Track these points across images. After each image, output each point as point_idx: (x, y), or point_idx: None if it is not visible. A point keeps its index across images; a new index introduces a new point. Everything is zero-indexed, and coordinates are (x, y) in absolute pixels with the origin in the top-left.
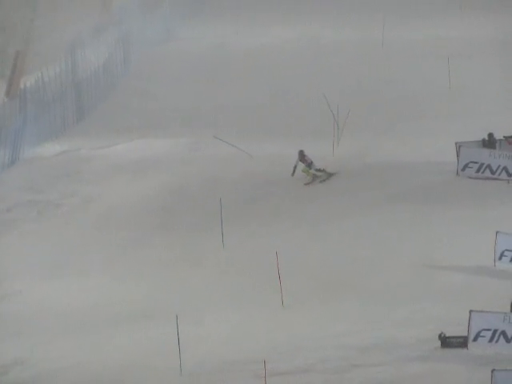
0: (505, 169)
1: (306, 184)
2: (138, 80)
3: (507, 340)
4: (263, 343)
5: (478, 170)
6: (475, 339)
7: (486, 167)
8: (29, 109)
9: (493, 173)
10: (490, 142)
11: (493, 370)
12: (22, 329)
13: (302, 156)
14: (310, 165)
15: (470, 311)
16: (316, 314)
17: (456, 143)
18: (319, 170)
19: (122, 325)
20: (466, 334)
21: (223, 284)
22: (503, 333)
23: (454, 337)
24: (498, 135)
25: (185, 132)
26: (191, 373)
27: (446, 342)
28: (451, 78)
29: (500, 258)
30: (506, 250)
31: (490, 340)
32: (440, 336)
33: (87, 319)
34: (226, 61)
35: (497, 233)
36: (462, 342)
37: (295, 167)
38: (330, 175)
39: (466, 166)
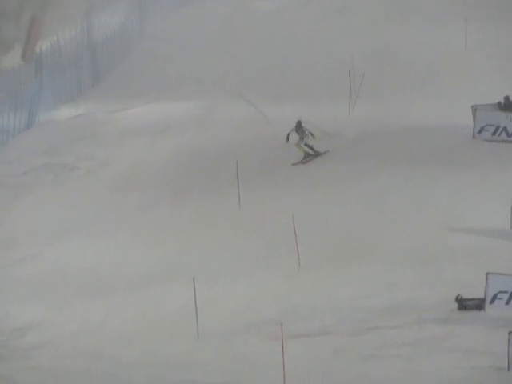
0: None
1: (293, 164)
2: (153, 43)
3: None
4: (280, 305)
5: (494, 133)
6: (492, 301)
7: (502, 130)
8: (44, 72)
9: (509, 136)
10: (506, 105)
11: (510, 332)
12: (38, 292)
13: (298, 127)
14: (303, 138)
15: (487, 273)
16: (332, 277)
17: (472, 106)
18: (308, 146)
19: (138, 287)
20: (482, 296)
21: (240, 246)
22: None
23: (470, 299)
24: None
25: (200, 95)
26: (208, 335)
27: (462, 304)
28: (467, 41)
29: None
30: None
31: (507, 302)
32: (457, 298)
33: (103, 282)
34: (240, 25)
35: None
36: (478, 305)
37: (289, 134)
38: (316, 155)
39: (482, 128)
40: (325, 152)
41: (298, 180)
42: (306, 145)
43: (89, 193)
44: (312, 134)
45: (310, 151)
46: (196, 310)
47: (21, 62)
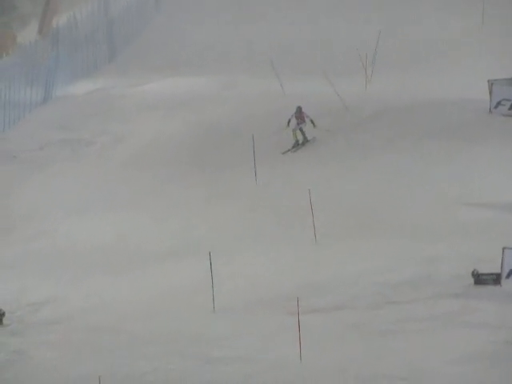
0: None
1: (283, 153)
2: (170, 19)
3: None
4: (296, 280)
5: (510, 108)
6: (508, 276)
7: None
8: (61, 47)
9: None
10: None
11: None
12: (53, 266)
13: (298, 112)
14: (301, 123)
15: (503, 248)
16: (349, 251)
17: (488, 81)
18: (302, 132)
19: (155, 262)
20: (499, 271)
21: (256, 220)
22: None
23: (487, 274)
24: None
25: (216, 70)
26: (224, 310)
27: (479, 279)
28: (484, 16)
29: None
30: None
31: None
32: (473, 273)
33: (119, 257)
34: (257, 1)
35: None
36: (495, 279)
37: (289, 120)
38: (304, 143)
39: (498, 103)
40: (313, 138)
41: (314, 154)
42: (300, 130)
43: (105, 168)
44: (313, 122)
45: (301, 139)
46: (212, 284)
47: (37, 37)
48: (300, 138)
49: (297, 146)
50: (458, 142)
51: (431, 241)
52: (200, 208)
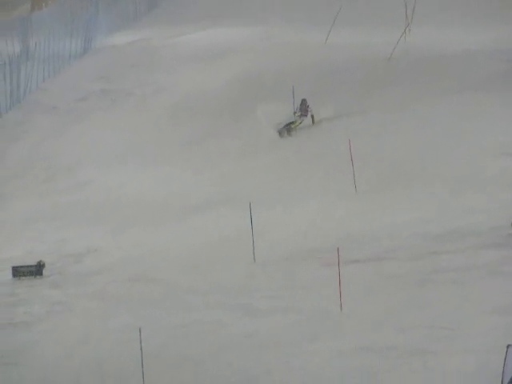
0: None
1: (281, 136)
2: None
3: None
4: (336, 231)
5: None
6: None
7: None
8: None
9: None
10: None
11: None
12: (93, 218)
13: (303, 104)
14: (303, 116)
15: None
16: (388, 202)
17: None
18: (296, 124)
19: (195, 213)
20: None
21: (296, 171)
22: None
23: None
24: None
25: (256, 22)
26: (264, 260)
27: None
28: None
29: None
30: None
31: None
32: None
33: (159, 208)
34: None
35: None
36: None
37: (295, 113)
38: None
39: None
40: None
41: (353, 104)
42: (301, 123)
43: (145, 119)
44: (313, 119)
45: (285, 131)
46: (252, 235)
47: None
48: (284, 130)
49: (283, 133)
50: (496, 92)
51: (471, 191)
52: (239, 159)
